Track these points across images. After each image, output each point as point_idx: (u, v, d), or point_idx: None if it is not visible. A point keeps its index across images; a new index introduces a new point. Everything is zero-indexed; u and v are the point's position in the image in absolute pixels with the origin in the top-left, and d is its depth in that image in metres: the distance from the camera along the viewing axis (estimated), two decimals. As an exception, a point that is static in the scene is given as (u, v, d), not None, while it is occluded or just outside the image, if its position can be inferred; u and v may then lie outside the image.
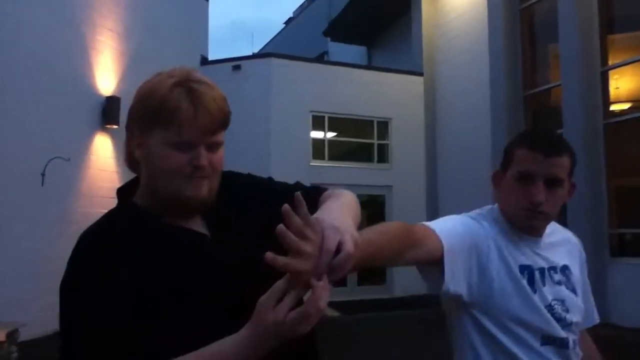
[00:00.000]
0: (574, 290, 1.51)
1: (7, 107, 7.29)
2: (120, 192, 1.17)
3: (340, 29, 16.59)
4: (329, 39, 18.42)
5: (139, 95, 1.09)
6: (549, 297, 1.45)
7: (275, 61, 11.91)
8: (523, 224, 1.46)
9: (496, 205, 1.55)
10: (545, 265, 1.48)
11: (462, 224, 1.45)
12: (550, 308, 1.43)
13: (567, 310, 1.46)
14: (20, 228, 7.20)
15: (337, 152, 12.47)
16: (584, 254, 1.64)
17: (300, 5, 26.73)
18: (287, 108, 11.45)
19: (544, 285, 1.45)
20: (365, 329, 8.17)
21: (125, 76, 9.25)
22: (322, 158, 12.00)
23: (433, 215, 12.58)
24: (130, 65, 9.39)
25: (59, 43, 8.14)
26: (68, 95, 8.21)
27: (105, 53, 9.01)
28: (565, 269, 1.53)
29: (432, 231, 1.36)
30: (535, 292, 1.43)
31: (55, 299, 1.04)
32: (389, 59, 15.13)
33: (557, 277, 1.49)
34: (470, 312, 1.44)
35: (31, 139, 7.50)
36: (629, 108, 9.20)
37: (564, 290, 1.48)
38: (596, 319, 1.64)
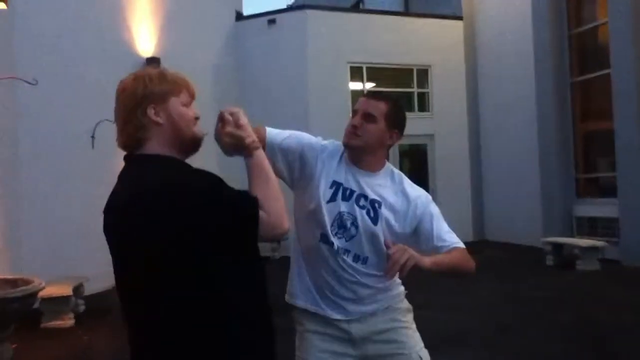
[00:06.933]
0: (373, 219, 1.95)
1: (59, 66, 7.48)
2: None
3: (376, -25, 16.11)
4: (363, -14, 17.92)
5: (147, 81, 1.64)
6: (342, 208, 1.95)
7: (310, 13, 11.74)
8: (345, 142, 2.01)
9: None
10: (356, 190, 1.98)
11: (301, 138, 2.04)
12: (339, 215, 1.94)
13: (355, 226, 1.94)
14: (74, 189, 7.47)
15: (377, 102, 12.32)
16: (429, 209, 2.03)
17: (334, -47, 25.93)
18: (324, 60, 11.33)
19: (344, 200, 1.96)
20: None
21: (163, 36, 9.31)
22: (362, 109, 11.89)
23: (476, 162, 12.43)
24: (166, 25, 9.42)
25: (103, 4, 8.30)
26: (111, 57, 8.32)
27: (140, 13, 9.05)
28: (375, 202, 1.98)
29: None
30: (331, 200, 1.96)
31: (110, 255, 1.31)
32: (427, 4, 14.68)
33: (363, 202, 1.97)
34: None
35: (81, 100, 7.68)
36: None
37: (362, 213, 1.96)
38: (436, 243, 1.98)
